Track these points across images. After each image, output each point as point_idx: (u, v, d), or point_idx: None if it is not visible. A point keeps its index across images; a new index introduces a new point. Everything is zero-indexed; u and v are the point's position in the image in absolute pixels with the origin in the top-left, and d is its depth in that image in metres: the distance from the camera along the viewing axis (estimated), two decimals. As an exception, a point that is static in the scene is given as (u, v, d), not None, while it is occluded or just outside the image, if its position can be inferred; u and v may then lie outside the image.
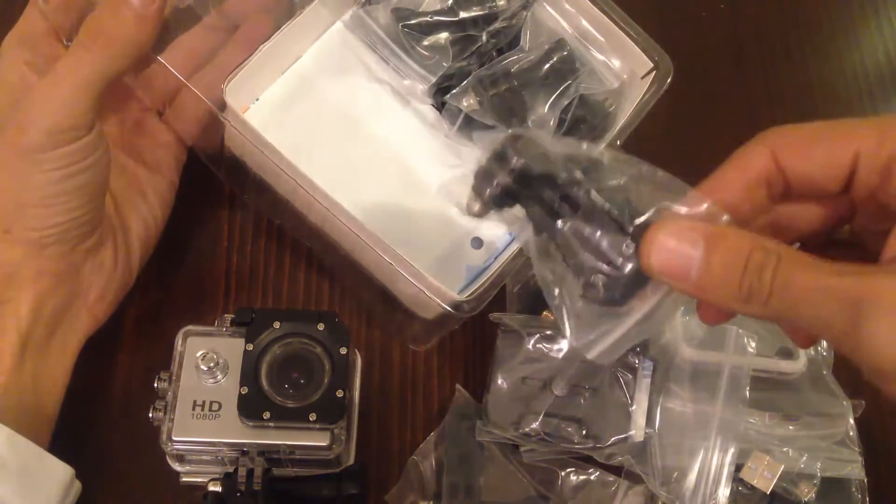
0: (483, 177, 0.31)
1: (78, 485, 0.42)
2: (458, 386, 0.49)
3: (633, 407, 0.48)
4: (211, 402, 0.40)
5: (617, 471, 0.48)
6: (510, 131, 0.28)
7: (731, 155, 0.29)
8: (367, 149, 0.51)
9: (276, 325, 0.41)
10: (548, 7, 0.53)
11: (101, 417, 0.48)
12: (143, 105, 0.49)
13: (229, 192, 0.53)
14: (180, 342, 0.42)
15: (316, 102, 0.51)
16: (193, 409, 0.40)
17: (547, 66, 0.51)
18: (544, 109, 0.50)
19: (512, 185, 0.30)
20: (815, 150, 0.28)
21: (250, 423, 0.40)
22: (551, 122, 0.50)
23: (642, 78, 0.51)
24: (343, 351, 0.41)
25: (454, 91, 0.50)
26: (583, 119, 0.51)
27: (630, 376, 0.48)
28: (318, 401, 0.40)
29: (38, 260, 0.41)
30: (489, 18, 0.51)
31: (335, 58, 0.52)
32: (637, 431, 0.47)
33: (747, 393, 0.48)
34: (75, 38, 0.41)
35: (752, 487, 0.47)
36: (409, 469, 0.47)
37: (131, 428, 0.46)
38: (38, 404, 0.42)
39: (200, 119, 0.48)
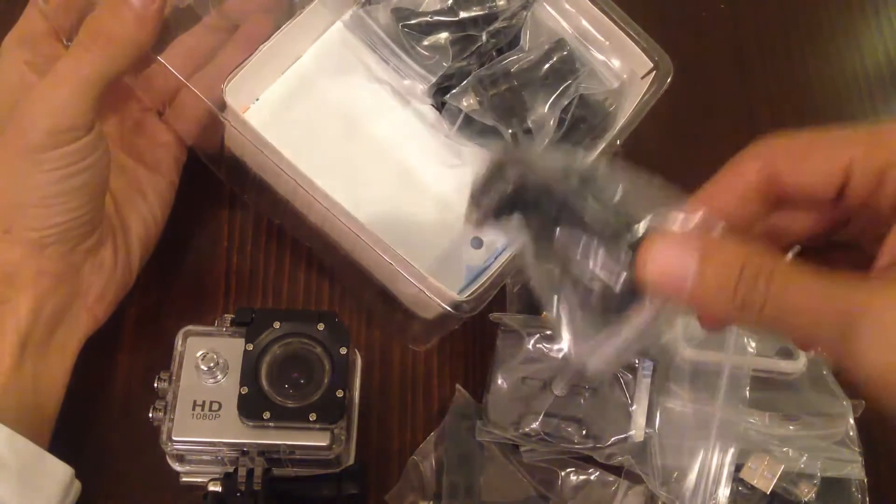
0: (481, 188, 0.31)
1: (78, 485, 0.42)
2: (458, 386, 0.49)
3: (633, 407, 0.48)
4: (211, 402, 0.40)
5: (617, 471, 0.48)
6: (508, 137, 0.28)
7: (726, 163, 0.30)
8: (367, 149, 0.51)
9: (276, 325, 0.41)
10: (548, 7, 0.53)
11: (101, 417, 0.48)
12: (143, 105, 0.49)
13: (229, 192, 0.53)
14: (180, 342, 0.42)
15: (316, 102, 0.51)
16: (193, 409, 0.40)
17: (547, 66, 0.51)
18: (544, 109, 0.50)
19: (509, 197, 0.30)
20: (808, 160, 0.28)
21: (250, 423, 0.40)
22: (551, 122, 0.50)
23: (642, 78, 0.51)
24: (343, 351, 0.41)
25: (454, 91, 0.50)
26: (583, 119, 0.51)
27: (630, 376, 0.48)
28: (318, 401, 0.40)
29: (38, 260, 0.41)
30: (489, 18, 0.51)
31: (335, 58, 0.52)
32: (637, 431, 0.47)
33: (747, 393, 0.48)
34: (75, 38, 0.41)
35: (752, 487, 0.47)
36: (409, 469, 0.47)
37: (131, 428, 0.46)
38: (37, 404, 0.42)
39: (200, 119, 0.48)
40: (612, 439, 0.47)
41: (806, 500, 0.47)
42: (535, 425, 0.47)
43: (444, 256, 0.49)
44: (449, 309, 0.44)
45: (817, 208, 0.30)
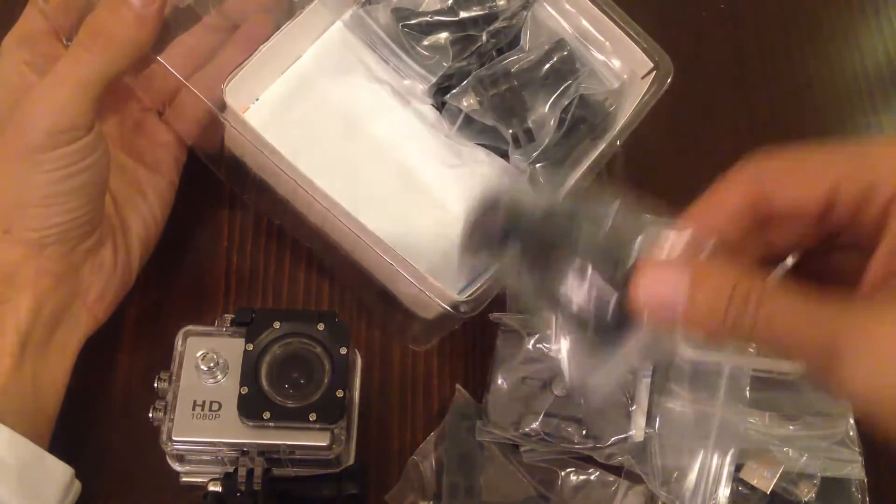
0: (475, 222, 0.32)
1: (78, 485, 0.42)
2: (458, 386, 0.49)
3: (633, 407, 0.48)
4: (211, 402, 0.40)
5: (617, 471, 0.48)
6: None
7: (716, 181, 0.30)
8: (367, 149, 0.51)
9: (276, 325, 0.41)
10: (548, 7, 0.53)
11: (101, 417, 0.48)
12: (143, 105, 0.49)
13: (229, 192, 0.53)
14: (180, 342, 0.42)
15: (316, 102, 0.51)
16: (193, 409, 0.40)
17: (547, 66, 0.51)
18: (544, 109, 0.50)
19: (503, 230, 0.31)
20: (794, 179, 0.29)
21: (250, 423, 0.40)
22: (551, 122, 0.50)
23: (642, 78, 0.51)
24: (343, 351, 0.41)
25: (454, 91, 0.50)
26: (583, 119, 0.51)
27: (630, 376, 0.48)
28: (318, 401, 0.40)
29: (38, 260, 0.41)
30: (489, 18, 0.51)
31: (335, 58, 0.52)
32: (637, 431, 0.47)
33: (747, 393, 0.48)
34: (75, 37, 0.41)
35: (752, 487, 0.47)
36: (409, 469, 0.47)
37: (131, 428, 0.46)
38: (37, 404, 0.42)
39: (200, 119, 0.48)
40: (612, 439, 0.47)
41: (806, 500, 0.47)
42: (535, 425, 0.47)
43: (444, 256, 0.49)
44: (449, 309, 0.44)
45: (806, 225, 0.30)
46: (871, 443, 0.48)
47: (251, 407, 0.39)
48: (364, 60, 0.52)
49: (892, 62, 0.63)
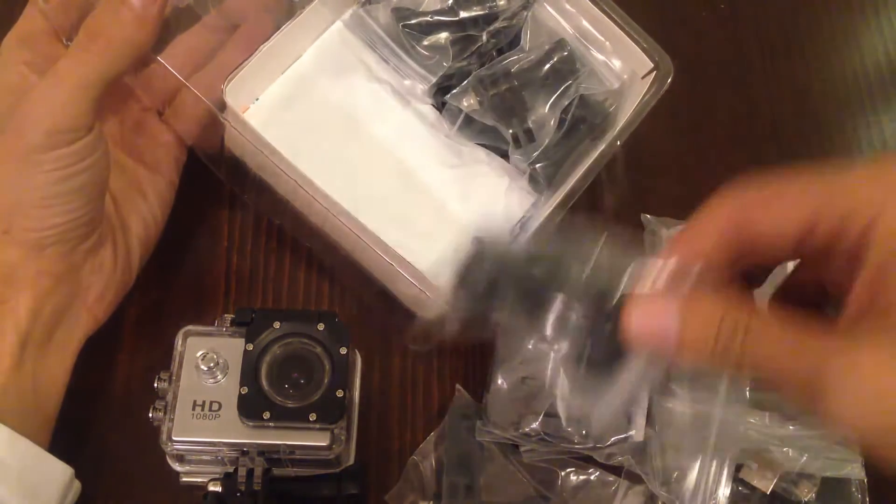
0: (462, 277, 0.32)
1: (77, 485, 0.42)
2: (458, 386, 0.49)
3: (633, 407, 0.48)
4: (211, 402, 0.40)
5: (617, 471, 0.48)
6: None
7: (699, 209, 0.30)
8: (367, 149, 0.51)
9: (276, 325, 0.41)
10: (548, 7, 0.53)
11: (101, 417, 0.48)
12: (143, 105, 0.49)
13: (229, 192, 0.53)
14: (180, 342, 0.42)
15: (316, 102, 0.51)
16: (193, 409, 0.40)
17: (547, 66, 0.51)
18: (544, 109, 0.50)
19: (490, 282, 0.32)
20: (774, 208, 0.29)
21: (250, 423, 0.40)
22: (551, 122, 0.50)
23: (643, 78, 0.51)
24: (343, 351, 0.41)
25: (454, 91, 0.50)
26: (583, 119, 0.51)
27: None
28: (318, 401, 0.40)
29: (38, 260, 0.41)
30: (489, 18, 0.51)
31: (335, 57, 0.52)
32: (637, 431, 0.47)
33: (747, 393, 0.48)
34: (75, 38, 0.41)
35: (752, 487, 0.47)
36: (409, 469, 0.47)
37: (131, 428, 0.46)
38: (37, 404, 0.42)
39: (200, 119, 0.48)
40: (612, 439, 0.47)
41: (806, 500, 0.47)
42: (535, 425, 0.47)
43: (444, 256, 0.49)
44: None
45: (788, 250, 0.31)
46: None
47: (251, 407, 0.39)
48: (364, 60, 0.52)
49: (892, 62, 0.63)
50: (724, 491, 0.46)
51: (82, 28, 0.40)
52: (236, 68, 0.47)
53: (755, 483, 0.47)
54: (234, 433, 0.40)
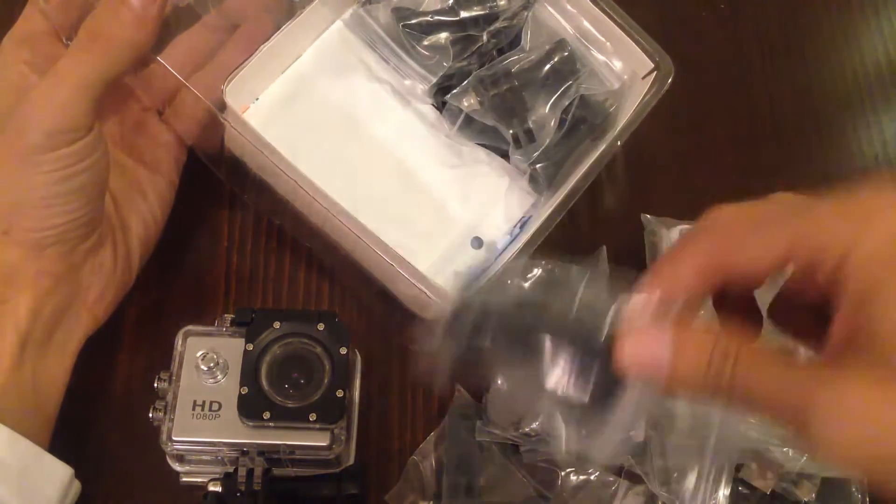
0: (449, 326, 0.32)
1: (77, 485, 0.42)
2: (457, 386, 0.49)
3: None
4: (211, 402, 0.40)
5: (617, 471, 0.48)
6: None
7: (678, 242, 0.31)
8: (367, 149, 0.51)
9: (276, 325, 0.41)
10: (549, 7, 0.53)
11: (101, 417, 0.47)
12: (143, 105, 0.49)
13: (229, 192, 0.53)
14: (180, 342, 0.42)
15: (316, 102, 0.51)
16: (193, 409, 0.40)
17: (548, 66, 0.51)
18: (545, 110, 0.50)
19: (478, 328, 0.32)
20: (749, 242, 0.29)
21: (250, 423, 0.40)
22: (552, 123, 0.50)
23: (643, 78, 0.51)
24: (343, 351, 0.41)
25: (455, 91, 0.50)
26: (583, 119, 0.51)
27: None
28: (318, 401, 0.40)
29: (38, 261, 0.41)
30: (490, 18, 0.51)
31: (335, 57, 0.52)
32: (637, 431, 0.47)
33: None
34: (74, 38, 0.40)
35: (752, 487, 0.47)
36: (409, 469, 0.47)
37: (131, 428, 0.46)
38: (37, 404, 0.42)
39: (200, 118, 0.48)
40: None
41: (806, 500, 0.47)
42: (535, 425, 0.47)
43: (444, 256, 0.49)
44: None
45: (767, 279, 0.32)
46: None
47: (251, 407, 0.39)
48: (364, 60, 0.52)
49: (892, 62, 0.63)
50: (724, 491, 0.46)
51: (82, 28, 0.40)
52: (236, 68, 0.47)
53: (755, 483, 0.47)
54: (234, 433, 0.40)
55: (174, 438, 0.40)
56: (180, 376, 0.41)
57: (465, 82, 0.50)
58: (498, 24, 0.51)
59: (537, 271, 0.50)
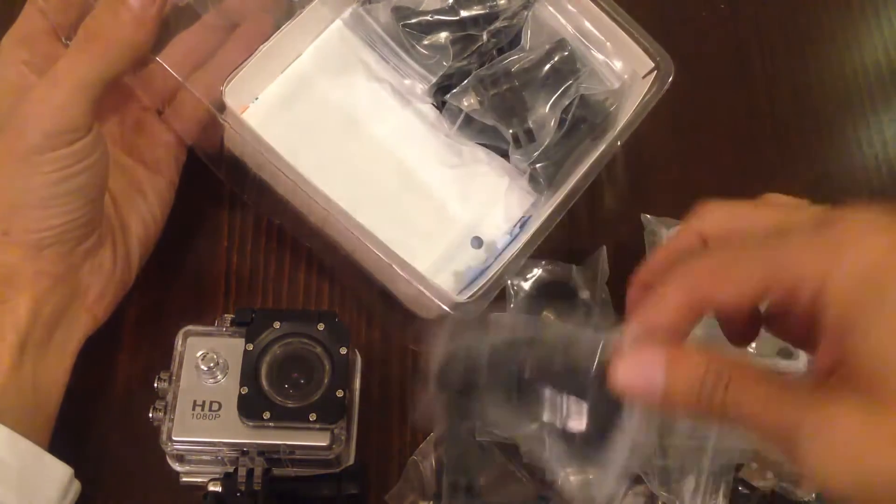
0: (442, 373, 0.33)
1: (77, 485, 0.42)
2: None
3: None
4: (211, 402, 0.40)
5: (617, 471, 0.48)
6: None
7: (657, 286, 0.31)
8: (367, 149, 0.51)
9: (276, 325, 0.41)
10: (549, 7, 0.53)
11: (101, 417, 0.47)
12: (142, 105, 0.49)
13: (229, 192, 0.53)
14: (180, 342, 0.42)
15: (315, 102, 0.51)
16: (193, 409, 0.40)
17: (548, 65, 0.51)
18: (545, 109, 0.50)
19: (470, 374, 0.32)
20: (726, 282, 0.30)
21: (250, 423, 0.40)
22: (552, 122, 0.50)
23: (643, 78, 0.51)
24: (343, 351, 0.41)
25: (454, 91, 0.50)
26: (583, 119, 0.51)
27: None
28: (318, 401, 0.40)
29: (37, 261, 0.41)
30: (490, 18, 0.51)
31: (335, 57, 0.52)
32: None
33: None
34: (73, 38, 0.40)
35: (752, 487, 0.47)
36: (409, 469, 0.47)
37: (131, 428, 0.46)
38: (37, 404, 0.42)
39: (200, 118, 0.48)
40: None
41: (806, 500, 0.47)
42: (534, 425, 0.47)
43: (444, 256, 0.49)
44: (449, 309, 0.44)
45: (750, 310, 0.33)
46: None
47: (251, 407, 0.39)
48: (364, 60, 0.52)
49: (892, 62, 0.63)
50: (725, 491, 0.46)
51: (81, 28, 0.40)
52: (236, 68, 0.46)
53: (755, 483, 0.47)
54: (234, 433, 0.40)
55: (174, 438, 0.40)
56: (180, 376, 0.41)
57: (465, 82, 0.50)
58: (498, 24, 0.51)
59: (537, 271, 0.50)
